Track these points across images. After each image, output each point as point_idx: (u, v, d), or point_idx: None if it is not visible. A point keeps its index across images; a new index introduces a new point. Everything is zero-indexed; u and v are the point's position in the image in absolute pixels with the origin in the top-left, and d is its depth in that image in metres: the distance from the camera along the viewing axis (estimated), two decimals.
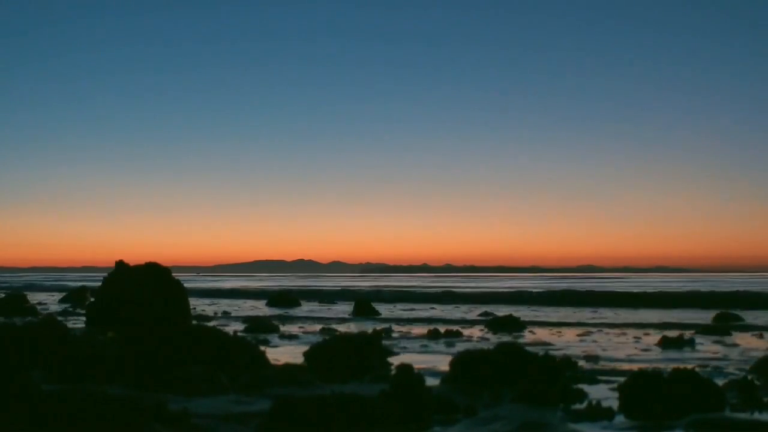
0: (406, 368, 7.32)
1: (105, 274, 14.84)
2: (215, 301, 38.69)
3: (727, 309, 24.53)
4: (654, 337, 16.07)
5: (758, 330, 18.38)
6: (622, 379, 8.25)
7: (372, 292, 41.82)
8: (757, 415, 7.29)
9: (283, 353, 13.18)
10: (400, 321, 22.49)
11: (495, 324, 19.13)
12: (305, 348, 11.38)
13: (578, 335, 17.46)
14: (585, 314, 25.88)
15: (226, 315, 26.01)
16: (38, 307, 27.81)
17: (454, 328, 17.90)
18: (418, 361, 11.69)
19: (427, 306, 32.17)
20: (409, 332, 18.07)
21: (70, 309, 28.01)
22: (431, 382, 8.75)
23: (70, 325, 15.41)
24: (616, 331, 18.75)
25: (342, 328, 19.66)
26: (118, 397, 6.24)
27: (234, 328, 18.41)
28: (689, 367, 8.36)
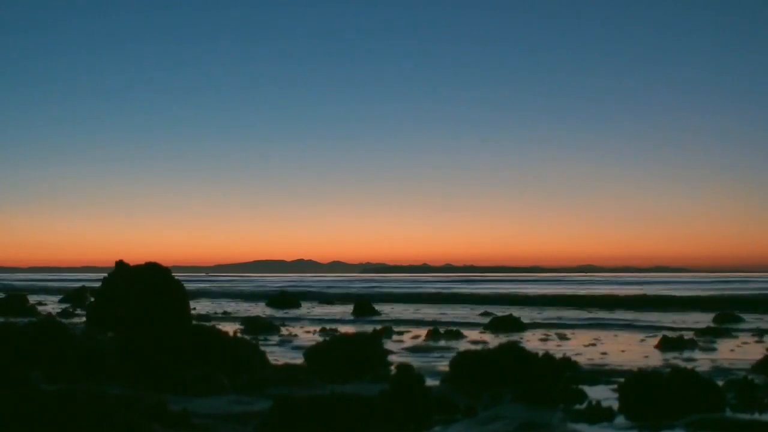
0: (406, 368, 7.32)
1: (105, 274, 14.79)
2: (215, 301, 38.68)
3: (727, 310, 24.51)
4: (654, 338, 16.07)
5: (758, 330, 18.38)
6: (622, 380, 8.25)
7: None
8: (757, 415, 7.28)
9: (283, 353, 13.19)
10: (400, 321, 22.48)
11: (495, 324, 19.13)
12: (305, 348, 11.39)
13: (578, 336, 17.47)
14: (584, 315, 25.90)
15: (226, 315, 26.00)
16: (38, 307, 27.83)
17: (454, 328, 17.89)
18: (418, 361, 11.70)
19: (427, 306, 32.18)
20: (409, 332, 18.06)
21: (70, 309, 27.98)
22: (431, 382, 8.75)
23: (70, 325, 15.41)
24: (616, 331, 18.77)
25: (342, 328, 19.65)
26: (118, 397, 6.25)
27: (234, 328, 18.41)
28: (689, 367, 8.36)
